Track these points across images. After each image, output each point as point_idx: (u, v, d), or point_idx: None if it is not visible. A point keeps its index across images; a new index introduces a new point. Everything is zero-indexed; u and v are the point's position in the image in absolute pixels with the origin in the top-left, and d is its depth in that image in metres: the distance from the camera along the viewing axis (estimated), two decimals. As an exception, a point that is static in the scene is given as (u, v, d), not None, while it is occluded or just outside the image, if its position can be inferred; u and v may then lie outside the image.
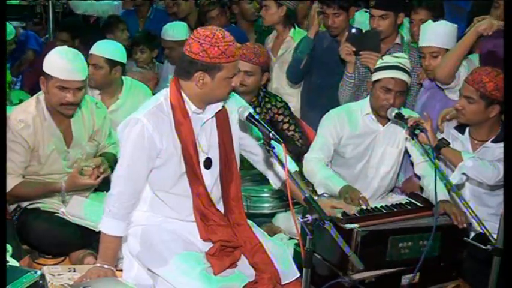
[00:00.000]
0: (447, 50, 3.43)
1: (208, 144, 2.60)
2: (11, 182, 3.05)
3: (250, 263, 2.56)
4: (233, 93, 2.64)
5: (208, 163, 2.60)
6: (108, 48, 3.84)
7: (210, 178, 2.61)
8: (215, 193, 2.63)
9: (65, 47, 3.17)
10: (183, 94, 2.51)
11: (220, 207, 2.65)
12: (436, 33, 3.46)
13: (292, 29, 4.49)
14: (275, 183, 2.83)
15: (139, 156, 2.50)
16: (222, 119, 2.62)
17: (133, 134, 2.49)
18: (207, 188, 2.58)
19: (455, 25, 3.48)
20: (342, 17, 3.98)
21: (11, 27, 5.00)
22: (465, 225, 2.92)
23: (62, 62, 3.04)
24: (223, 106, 2.60)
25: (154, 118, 2.50)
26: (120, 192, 2.55)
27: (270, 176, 2.83)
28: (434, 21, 3.53)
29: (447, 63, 3.35)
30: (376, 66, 3.30)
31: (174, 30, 4.82)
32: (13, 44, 5.27)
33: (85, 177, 3.07)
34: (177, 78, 2.53)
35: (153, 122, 2.48)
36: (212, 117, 2.60)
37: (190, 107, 2.53)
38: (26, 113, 3.14)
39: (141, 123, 2.47)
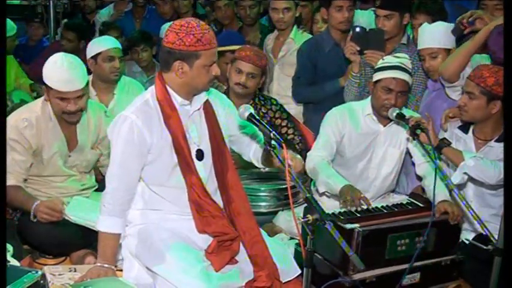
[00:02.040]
0: (446, 49, 3.43)
1: (198, 136, 2.62)
2: (7, 181, 3.00)
3: (249, 255, 2.56)
4: (220, 92, 2.65)
5: (200, 154, 2.61)
6: (115, 40, 3.96)
7: (204, 170, 2.62)
8: (210, 184, 2.64)
9: (61, 55, 3.06)
10: (168, 87, 2.54)
11: (218, 199, 2.65)
12: (433, 34, 3.47)
13: (294, 30, 4.45)
14: (257, 160, 2.84)
15: (131, 152, 2.52)
16: (209, 112, 2.65)
17: (123, 131, 2.51)
18: (202, 179, 2.58)
19: (452, 24, 3.47)
20: (351, 12, 3.98)
21: (11, 24, 5.00)
22: (456, 222, 2.93)
23: (58, 73, 2.99)
24: (207, 99, 2.63)
25: (143, 114, 2.52)
26: (114, 189, 2.57)
27: (251, 154, 2.86)
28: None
29: (454, 60, 3.31)
30: (377, 66, 3.30)
31: None
32: (15, 40, 5.27)
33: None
34: (160, 72, 2.57)
35: (141, 118, 2.50)
36: (199, 110, 2.62)
37: (177, 99, 2.55)
38: (31, 113, 3.14)
39: (130, 119, 2.50)
